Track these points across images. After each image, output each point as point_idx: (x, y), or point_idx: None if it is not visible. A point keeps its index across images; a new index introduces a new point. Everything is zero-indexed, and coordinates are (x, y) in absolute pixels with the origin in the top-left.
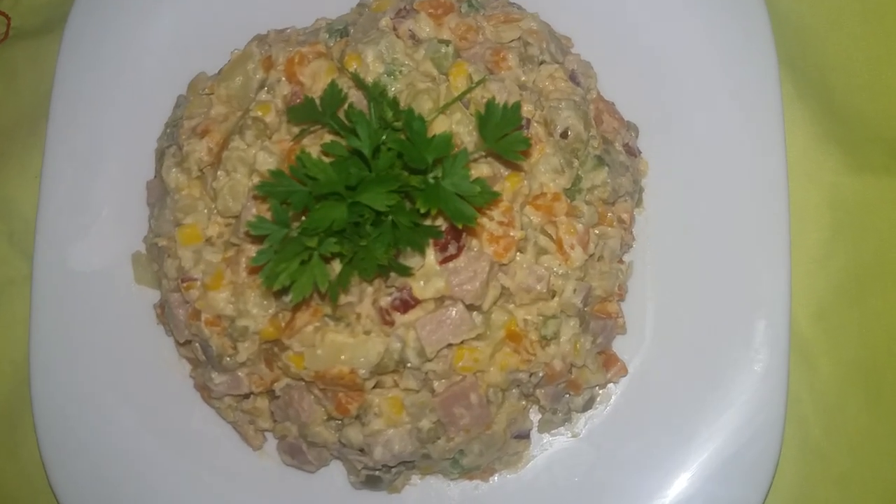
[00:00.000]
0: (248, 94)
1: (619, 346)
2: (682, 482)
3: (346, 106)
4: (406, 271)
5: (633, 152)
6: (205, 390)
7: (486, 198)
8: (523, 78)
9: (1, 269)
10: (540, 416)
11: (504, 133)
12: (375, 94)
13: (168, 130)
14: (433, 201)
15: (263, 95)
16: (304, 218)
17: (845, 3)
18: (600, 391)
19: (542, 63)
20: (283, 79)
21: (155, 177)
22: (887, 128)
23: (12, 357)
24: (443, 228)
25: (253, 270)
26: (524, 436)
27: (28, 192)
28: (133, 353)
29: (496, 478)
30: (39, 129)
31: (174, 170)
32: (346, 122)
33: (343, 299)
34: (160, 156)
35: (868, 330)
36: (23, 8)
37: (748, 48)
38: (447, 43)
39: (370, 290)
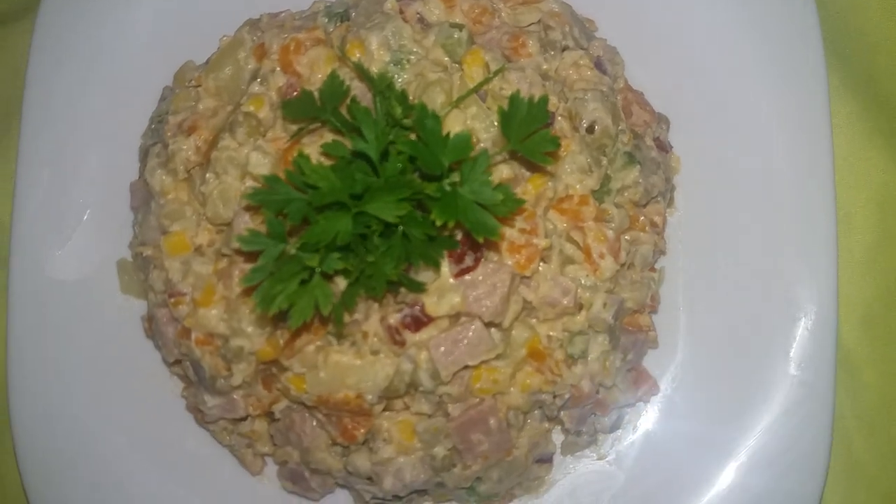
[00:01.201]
0: (240, 86)
1: (649, 360)
2: None
3: (348, 100)
4: (419, 287)
5: (664, 147)
6: (198, 412)
7: (511, 207)
8: (545, 66)
9: None
10: (563, 438)
11: (530, 132)
12: (382, 87)
13: (153, 126)
14: (451, 212)
15: (256, 88)
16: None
17: None
18: (629, 410)
19: (565, 49)
20: (278, 69)
21: (139, 178)
22: None
23: None
24: (458, 237)
25: (247, 290)
26: (546, 460)
27: (2, 193)
28: (120, 369)
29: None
30: (12, 126)
31: (159, 171)
32: (349, 118)
33: (348, 317)
34: (144, 155)
35: None
36: None
37: (791, 33)
38: (460, 27)
39: (377, 306)
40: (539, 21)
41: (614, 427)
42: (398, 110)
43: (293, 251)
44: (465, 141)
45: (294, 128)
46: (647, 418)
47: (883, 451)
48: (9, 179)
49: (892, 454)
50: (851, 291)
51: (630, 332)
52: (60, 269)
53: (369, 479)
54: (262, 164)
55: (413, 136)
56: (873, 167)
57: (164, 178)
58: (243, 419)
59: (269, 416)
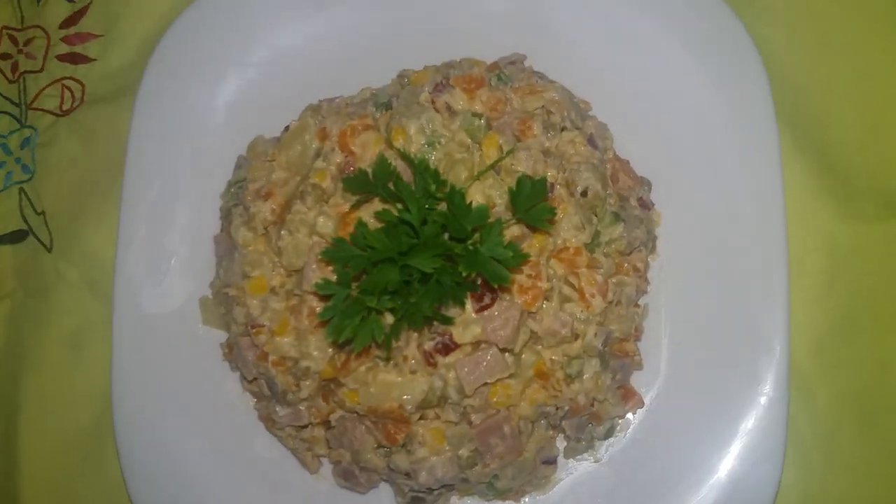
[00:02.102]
0: (306, 161)
1: (636, 379)
2: (693, 503)
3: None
4: (448, 321)
5: (646, 205)
6: (269, 421)
7: (518, 260)
8: (547, 144)
9: (84, 314)
10: (566, 443)
11: (532, 204)
12: (420, 169)
13: (232, 190)
14: (473, 265)
15: (320, 163)
16: (363, 277)
17: (841, 65)
18: (619, 421)
19: (563, 129)
20: (337, 148)
21: (221, 231)
22: (879, 179)
23: (95, 391)
24: (479, 282)
25: (318, 323)
26: (551, 462)
27: (106, 244)
28: (202, 386)
29: (526, 499)
30: (115, 187)
31: (242, 228)
32: (395, 191)
33: (394, 344)
34: (227, 213)
35: (861, 364)
36: (95, 75)
37: (749, 108)
38: (480, 116)
39: (415, 335)
40: (542, 106)
41: (608, 435)
42: (433, 187)
43: (356, 294)
44: (484, 211)
45: (351, 196)
46: (634, 428)
47: (833, 459)
48: (113, 230)
49: (841, 461)
50: (805, 324)
51: (618, 356)
52: (153, 304)
53: (407, 475)
54: (326, 226)
55: (444, 206)
56: (821, 219)
57: (245, 233)
58: (305, 426)
59: (326, 424)
